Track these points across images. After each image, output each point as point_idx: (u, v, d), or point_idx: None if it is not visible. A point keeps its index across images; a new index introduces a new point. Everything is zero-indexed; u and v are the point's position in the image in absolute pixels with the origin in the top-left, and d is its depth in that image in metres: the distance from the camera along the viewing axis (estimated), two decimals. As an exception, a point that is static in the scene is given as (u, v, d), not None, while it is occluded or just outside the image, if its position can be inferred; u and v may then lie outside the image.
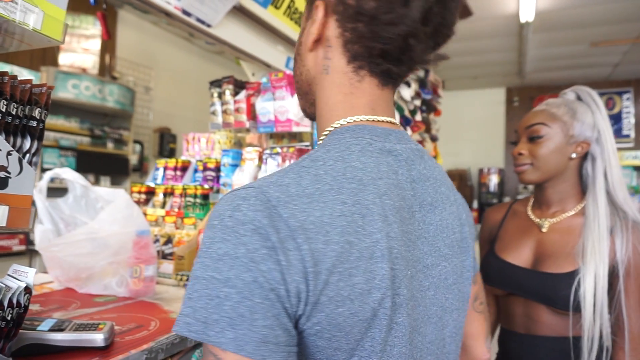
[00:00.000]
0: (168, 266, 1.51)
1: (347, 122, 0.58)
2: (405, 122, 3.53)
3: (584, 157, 1.13)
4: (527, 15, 4.76)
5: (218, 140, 1.88)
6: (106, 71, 4.82)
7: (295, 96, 1.60)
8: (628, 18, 5.04)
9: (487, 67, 7.03)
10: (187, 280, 1.38)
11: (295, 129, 1.49)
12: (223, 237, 0.47)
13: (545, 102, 1.18)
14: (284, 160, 1.47)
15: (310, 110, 0.67)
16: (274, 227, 0.46)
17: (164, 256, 1.56)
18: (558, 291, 1.02)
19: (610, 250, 1.01)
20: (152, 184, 1.89)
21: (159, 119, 5.70)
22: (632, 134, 7.40)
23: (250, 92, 1.63)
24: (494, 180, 7.61)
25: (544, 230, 1.14)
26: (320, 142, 0.59)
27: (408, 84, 3.72)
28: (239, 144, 1.86)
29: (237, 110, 1.63)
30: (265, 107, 1.53)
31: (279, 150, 1.49)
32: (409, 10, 0.52)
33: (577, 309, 1.00)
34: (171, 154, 5.59)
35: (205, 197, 1.70)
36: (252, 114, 1.61)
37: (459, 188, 7.72)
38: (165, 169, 1.93)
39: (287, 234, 0.46)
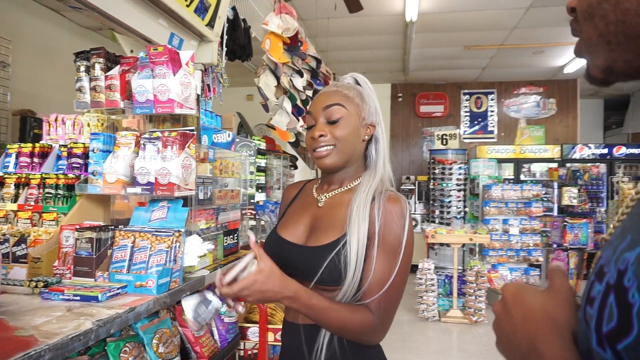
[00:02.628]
0: (20, 271, 1.27)
1: None
2: (298, 111, 3.49)
3: (370, 139, 1.16)
4: (411, 15, 5.03)
5: (87, 122, 1.64)
6: (-55, 39, 4.02)
7: (180, 74, 1.43)
8: (496, 26, 5.63)
9: (375, 63, 7.33)
10: (43, 286, 1.16)
11: (177, 110, 1.33)
12: None
13: (333, 84, 1.18)
14: (164, 146, 1.31)
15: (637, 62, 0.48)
16: None
17: (15, 259, 1.30)
18: (320, 261, 1.01)
19: (371, 215, 1.04)
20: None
21: (19, 100, 4.91)
22: (496, 130, 8.32)
23: (125, 67, 1.43)
24: (380, 171, 8.01)
25: (320, 205, 1.13)
26: None
27: (301, 74, 3.68)
28: (113, 128, 1.64)
29: (108, 87, 1.42)
30: (143, 85, 1.34)
31: (159, 134, 1.33)
32: None
33: (339, 281, 0.99)
34: (35, 140, 4.86)
35: (69, 187, 1.47)
36: (127, 93, 1.41)
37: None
38: (18, 155, 1.63)
39: None
